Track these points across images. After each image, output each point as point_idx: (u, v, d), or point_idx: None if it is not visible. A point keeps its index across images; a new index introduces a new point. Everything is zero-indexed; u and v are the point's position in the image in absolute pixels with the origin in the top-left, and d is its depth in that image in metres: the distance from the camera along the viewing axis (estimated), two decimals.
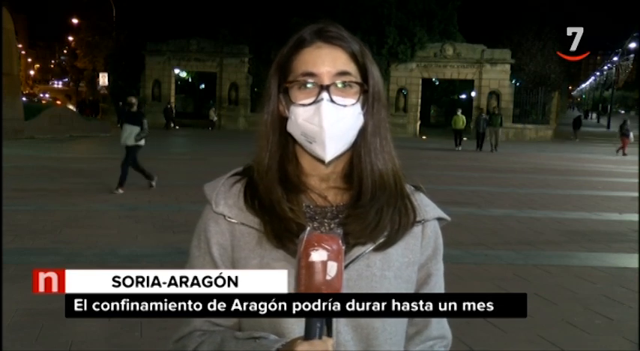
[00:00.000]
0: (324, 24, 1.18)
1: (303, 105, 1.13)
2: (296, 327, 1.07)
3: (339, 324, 1.09)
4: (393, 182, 1.19)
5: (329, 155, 1.13)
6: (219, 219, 1.18)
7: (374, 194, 1.17)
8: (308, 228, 1.05)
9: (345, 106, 1.13)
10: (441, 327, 1.24)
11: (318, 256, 0.99)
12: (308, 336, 0.98)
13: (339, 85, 1.13)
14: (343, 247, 1.02)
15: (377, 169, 1.18)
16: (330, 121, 1.11)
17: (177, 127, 31.16)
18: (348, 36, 1.17)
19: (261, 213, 1.15)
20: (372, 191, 1.17)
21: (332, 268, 0.99)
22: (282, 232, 1.12)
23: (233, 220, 1.16)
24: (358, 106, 1.15)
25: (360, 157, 1.18)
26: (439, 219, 1.25)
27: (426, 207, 1.23)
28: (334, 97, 1.12)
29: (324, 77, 1.13)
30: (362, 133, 1.17)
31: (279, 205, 1.14)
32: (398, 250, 1.17)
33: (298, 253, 1.01)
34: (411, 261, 1.18)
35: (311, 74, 1.13)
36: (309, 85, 1.13)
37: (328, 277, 0.98)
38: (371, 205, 1.16)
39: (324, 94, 1.12)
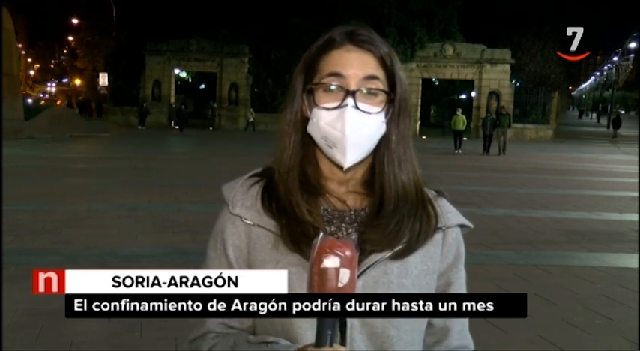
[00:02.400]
0: (356, 26, 1.15)
1: (327, 109, 1.10)
2: (309, 333, 1.05)
3: (354, 332, 1.07)
4: (415, 193, 1.17)
5: (348, 162, 1.11)
6: (236, 220, 1.16)
7: (396, 205, 1.14)
8: (322, 233, 1.03)
9: (369, 113, 1.10)
10: (462, 336, 1.20)
11: (330, 262, 0.97)
12: (319, 343, 0.98)
13: (364, 92, 1.10)
14: (357, 254, 1.00)
15: (400, 180, 1.15)
16: (352, 128, 1.08)
17: (176, 127, 30.96)
18: (379, 40, 1.15)
19: (278, 216, 1.13)
20: (395, 202, 1.14)
21: (344, 275, 0.97)
22: (298, 236, 1.10)
23: (249, 222, 1.14)
24: (382, 115, 1.12)
25: (384, 166, 1.15)
26: (461, 226, 1.21)
27: (448, 214, 1.20)
28: (359, 104, 1.09)
29: (351, 80, 1.10)
30: (386, 141, 1.14)
31: (297, 207, 1.12)
32: (417, 257, 1.13)
33: (311, 258, 0.99)
34: (430, 269, 1.15)
35: (338, 75, 1.10)
36: (334, 88, 1.10)
37: (340, 285, 0.96)
38: (392, 216, 1.13)
39: (350, 100, 1.09)
